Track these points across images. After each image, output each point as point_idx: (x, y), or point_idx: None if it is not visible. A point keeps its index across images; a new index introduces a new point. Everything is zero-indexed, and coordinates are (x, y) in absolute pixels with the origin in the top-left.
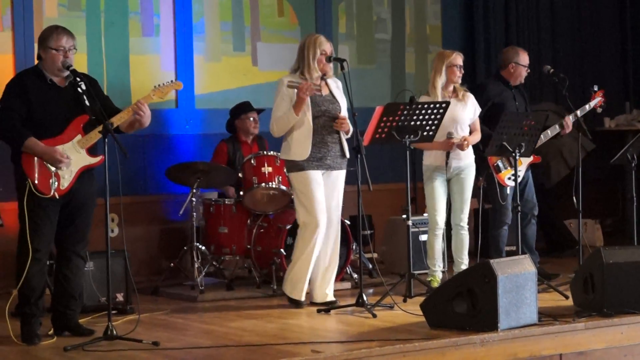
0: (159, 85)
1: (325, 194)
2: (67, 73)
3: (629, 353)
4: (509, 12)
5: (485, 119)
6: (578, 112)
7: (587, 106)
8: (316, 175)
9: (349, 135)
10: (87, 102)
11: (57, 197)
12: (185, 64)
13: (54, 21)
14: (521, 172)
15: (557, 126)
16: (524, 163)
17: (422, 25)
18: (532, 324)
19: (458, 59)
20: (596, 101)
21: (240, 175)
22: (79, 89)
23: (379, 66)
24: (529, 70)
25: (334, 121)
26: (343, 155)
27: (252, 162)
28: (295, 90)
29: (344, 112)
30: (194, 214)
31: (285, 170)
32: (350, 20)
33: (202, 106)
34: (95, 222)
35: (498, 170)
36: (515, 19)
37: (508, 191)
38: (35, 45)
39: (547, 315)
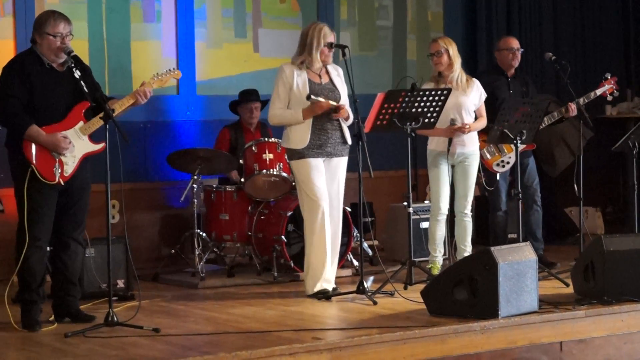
0: (158, 73)
1: (326, 181)
2: (63, 58)
3: (629, 341)
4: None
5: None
6: (581, 100)
7: (592, 93)
8: (317, 163)
9: (350, 122)
10: (85, 89)
11: (62, 183)
12: (186, 50)
13: (55, 7)
14: (511, 159)
15: (556, 113)
16: (513, 150)
17: (424, 12)
18: (532, 311)
19: (431, 47)
20: (604, 88)
21: (241, 161)
22: (76, 75)
23: (381, 53)
24: (517, 54)
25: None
26: (344, 142)
27: (254, 149)
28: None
29: (344, 100)
30: (195, 200)
31: (286, 158)
32: (351, 6)
33: (203, 92)
34: (96, 208)
35: (484, 157)
36: (517, 5)
37: (498, 177)
38: None
39: (548, 303)
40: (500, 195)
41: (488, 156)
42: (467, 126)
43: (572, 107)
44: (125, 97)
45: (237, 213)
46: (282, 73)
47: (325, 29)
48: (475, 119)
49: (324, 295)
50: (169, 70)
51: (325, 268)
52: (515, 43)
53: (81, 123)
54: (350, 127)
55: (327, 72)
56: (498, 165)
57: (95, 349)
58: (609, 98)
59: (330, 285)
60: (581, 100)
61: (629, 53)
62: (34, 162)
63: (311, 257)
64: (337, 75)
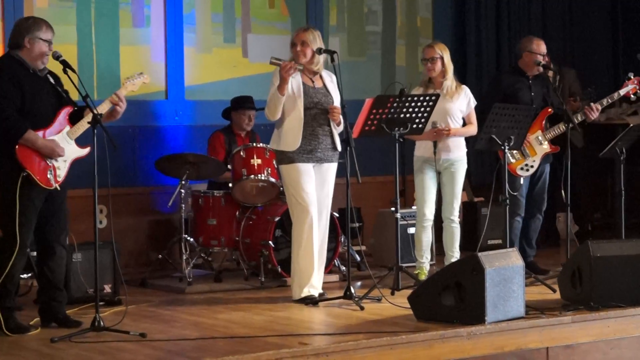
0: (128, 78)
1: (316, 187)
2: (45, 64)
3: (616, 346)
4: (500, 6)
5: None
6: (605, 101)
7: (616, 94)
8: (306, 168)
9: (341, 129)
10: (64, 94)
11: (59, 188)
12: (175, 55)
13: (44, 11)
14: (535, 163)
15: (578, 116)
16: (538, 154)
17: (413, 18)
18: (519, 317)
19: (425, 52)
20: (628, 88)
21: (229, 166)
22: (51, 81)
23: (370, 59)
24: (547, 59)
25: (326, 113)
26: (334, 148)
27: (242, 154)
28: (271, 62)
29: (337, 105)
30: (183, 205)
31: (275, 162)
32: (341, 12)
33: (192, 97)
34: (84, 213)
35: (508, 161)
36: (506, 12)
37: (522, 181)
38: None
39: (534, 309)
40: (521, 199)
41: (512, 160)
42: (448, 129)
43: (593, 108)
44: (103, 103)
45: (225, 218)
46: (276, 71)
47: (297, 31)
48: (464, 125)
49: (311, 301)
50: (139, 74)
51: (312, 274)
52: (545, 47)
53: (68, 127)
54: (339, 133)
55: (321, 78)
56: (522, 169)
57: (82, 354)
58: (633, 98)
59: (317, 291)
60: (605, 101)
61: (618, 61)
62: (29, 167)
63: (299, 263)
64: (331, 81)
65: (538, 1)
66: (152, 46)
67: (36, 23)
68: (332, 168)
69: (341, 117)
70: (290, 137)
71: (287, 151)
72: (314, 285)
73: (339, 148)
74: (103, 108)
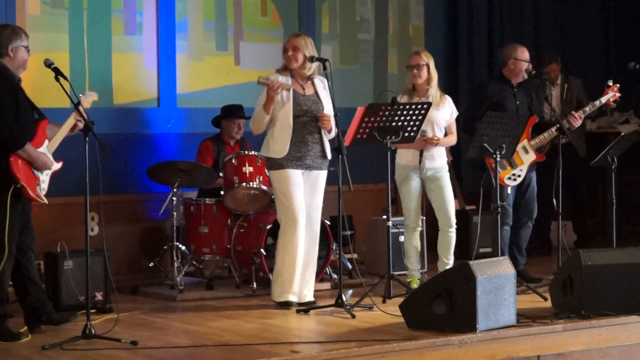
0: (81, 95)
1: (305, 194)
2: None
3: (607, 355)
4: (492, 14)
5: None
6: (587, 108)
7: (597, 102)
8: (295, 174)
9: (332, 136)
10: (34, 104)
11: (47, 202)
12: (167, 62)
13: (36, 19)
14: (522, 172)
15: (553, 130)
16: (525, 163)
17: (405, 26)
18: (510, 325)
19: (412, 59)
20: (609, 96)
21: (221, 174)
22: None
23: (362, 66)
24: (530, 65)
25: (316, 121)
26: (324, 155)
27: (234, 161)
28: (259, 83)
29: (328, 113)
30: (175, 213)
31: (265, 168)
32: (333, 20)
33: (184, 105)
34: (75, 220)
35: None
36: (498, 20)
37: (509, 191)
38: None
39: (526, 317)
40: (508, 209)
41: (500, 170)
42: (437, 138)
43: (576, 117)
44: (69, 119)
45: (217, 226)
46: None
47: (289, 37)
48: (445, 135)
49: (302, 310)
50: (89, 92)
51: (294, 281)
52: (528, 53)
53: (47, 141)
54: (330, 141)
55: (313, 84)
56: (509, 178)
57: None
58: (613, 105)
59: (296, 297)
60: (587, 108)
61: (610, 71)
62: (22, 178)
63: (283, 268)
64: (324, 88)
65: (530, 9)
66: (144, 53)
67: (15, 31)
68: (321, 176)
69: (332, 124)
70: (278, 144)
71: (276, 158)
72: (295, 291)
73: (329, 156)
74: (70, 123)
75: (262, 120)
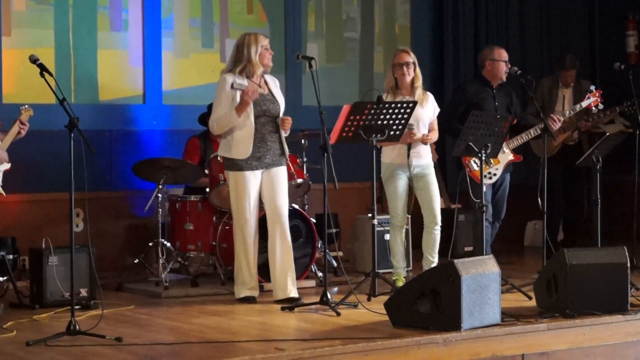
0: (24, 107)
1: (268, 192)
2: None
3: (591, 354)
4: (478, 14)
5: (463, 119)
6: (567, 112)
7: (577, 106)
8: (253, 176)
9: (287, 134)
10: None
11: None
12: (153, 59)
13: (22, 15)
14: (498, 171)
15: (537, 128)
16: (501, 162)
17: (391, 25)
18: (495, 324)
19: (400, 57)
20: (589, 101)
21: (206, 171)
22: None
23: (348, 65)
24: (509, 65)
25: (274, 120)
26: (282, 153)
27: (219, 159)
28: (239, 92)
29: (282, 112)
30: (160, 210)
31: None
32: (319, 18)
33: (170, 102)
34: (60, 217)
35: (472, 168)
36: (484, 20)
37: (484, 189)
38: (4, 39)
39: (510, 316)
40: (488, 206)
41: (475, 168)
42: (429, 137)
43: (555, 119)
44: (11, 128)
45: (202, 223)
46: (224, 83)
47: (260, 35)
48: (428, 132)
49: (288, 306)
50: (25, 106)
51: (251, 276)
52: (506, 54)
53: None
54: (315, 139)
55: (266, 83)
56: (485, 176)
57: (57, 357)
58: (595, 110)
59: (256, 293)
60: (567, 112)
61: (595, 72)
62: None
63: (241, 267)
64: (275, 86)
65: (515, 9)
66: (130, 50)
67: None
68: (281, 171)
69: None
70: (241, 145)
71: (238, 159)
72: (254, 286)
73: (287, 153)
74: (15, 130)
75: (230, 123)
